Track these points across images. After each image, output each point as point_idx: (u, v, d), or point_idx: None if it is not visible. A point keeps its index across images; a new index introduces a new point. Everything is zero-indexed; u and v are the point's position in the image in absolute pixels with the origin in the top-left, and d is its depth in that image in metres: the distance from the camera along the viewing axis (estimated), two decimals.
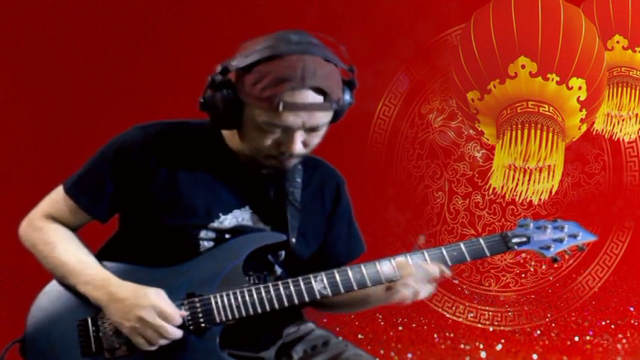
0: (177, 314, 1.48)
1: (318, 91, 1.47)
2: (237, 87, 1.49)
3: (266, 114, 1.46)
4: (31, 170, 3.48)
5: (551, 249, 1.63)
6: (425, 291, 1.55)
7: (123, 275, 1.55)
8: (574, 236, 1.64)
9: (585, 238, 1.65)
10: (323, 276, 1.55)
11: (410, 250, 1.60)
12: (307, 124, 1.49)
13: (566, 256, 1.67)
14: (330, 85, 1.48)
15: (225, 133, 1.62)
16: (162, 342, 1.48)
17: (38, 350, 1.53)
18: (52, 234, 1.60)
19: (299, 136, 1.50)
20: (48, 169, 3.17)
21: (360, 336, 3.61)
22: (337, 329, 3.41)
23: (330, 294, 1.54)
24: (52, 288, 1.57)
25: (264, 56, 1.45)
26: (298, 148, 1.51)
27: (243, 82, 1.48)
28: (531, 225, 1.64)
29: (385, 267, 1.56)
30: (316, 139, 1.55)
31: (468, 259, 1.59)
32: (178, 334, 1.48)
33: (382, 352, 3.58)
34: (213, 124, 1.56)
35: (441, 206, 4.01)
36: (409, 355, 3.66)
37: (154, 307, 1.47)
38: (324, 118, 1.51)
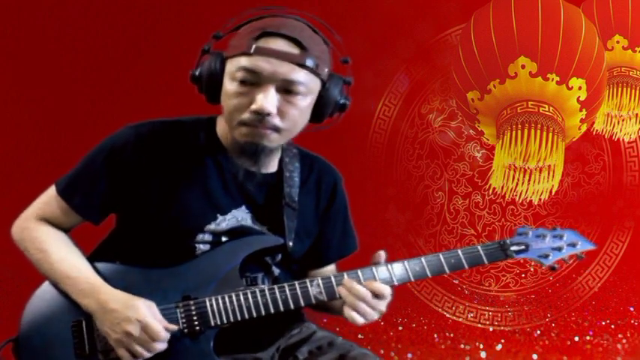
0: (163, 331, 1.47)
1: (295, 41, 1.48)
2: (221, 52, 1.53)
3: (238, 59, 1.48)
4: (31, 170, 3.48)
5: (550, 257, 1.62)
6: (370, 315, 1.53)
7: (118, 277, 1.54)
8: (573, 245, 1.64)
9: (584, 246, 1.65)
10: (319, 280, 1.54)
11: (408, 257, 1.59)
12: (278, 75, 1.46)
13: (566, 263, 1.67)
14: (310, 44, 1.49)
15: (220, 129, 1.61)
16: (147, 355, 1.47)
17: (32, 350, 1.53)
18: (44, 238, 1.59)
19: (272, 93, 1.47)
20: (48, 169, 3.16)
21: (360, 336, 3.61)
22: (337, 329, 3.40)
23: (325, 298, 1.54)
24: (47, 288, 1.57)
25: (254, 17, 1.51)
26: (268, 105, 1.46)
27: (228, 42, 1.52)
28: (530, 233, 1.64)
29: (382, 272, 1.55)
30: (292, 109, 1.50)
31: (466, 266, 1.58)
32: (162, 348, 1.48)
33: (382, 352, 3.58)
34: (205, 95, 1.56)
35: (441, 206, 4.01)
36: (409, 355, 3.65)
37: (140, 322, 1.46)
38: (299, 75, 1.48)
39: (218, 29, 1.56)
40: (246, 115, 1.48)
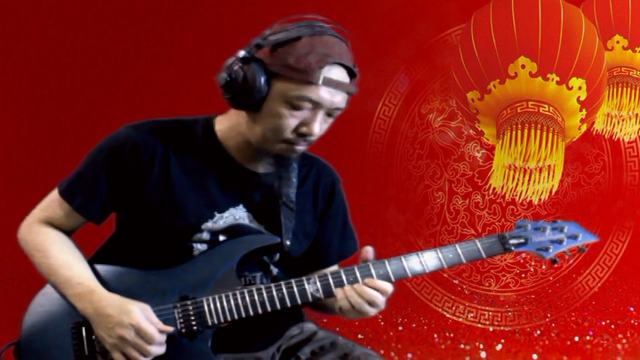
0: (157, 334, 1.47)
1: (349, 72, 1.51)
2: (267, 62, 1.48)
3: (301, 87, 1.47)
4: (31, 170, 3.48)
5: (550, 250, 1.59)
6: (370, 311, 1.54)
7: (117, 279, 1.55)
8: (574, 237, 1.61)
9: (586, 239, 1.62)
10: (316, 278, 1.54)
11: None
12: (334, 104, 1.50)
13: (567, 257, 1.65)
14: (354, 68, 1.52)
15: (219, 129, 1.61)
16: (143, 359, 1.47)
17: (32, 353, 1.53)
18: (46, 240, 1.59)
19: (321, 117, 1.51)
20: (48, 169, 3.17)
21: (360, 336, 3.62)
22: (337, 329, 3.40)
23: (322, 296, 1.54)
24: (48, 291, 1.57)
25: (304, 33, 1.48)
26: (318, 129, 1.51)
27: (281, 56, 1.47)
28: (529, 226, 1.62)
29: (379, 270, 1.55)
30: (326, 126, 1.55)
31: (464, 260, 1.57)
32: (159, 351, 1.48)
33: (382, 352, 3.58)
34: (234, 103, 1.53)
35: (441, 206, 4.01)
36: (409, 355, 3.66)
37: (133, 327, 1.46)
38: (344, 101, 1.53)
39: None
40: (292, 135, 1.51)
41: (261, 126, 1.53)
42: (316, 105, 1.49)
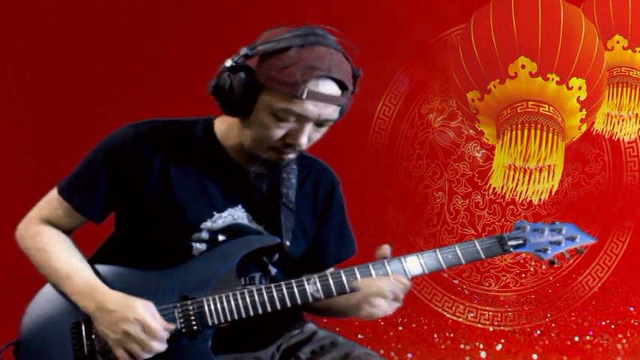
0: (162, 330, 1.47)
1: (340, 84, 1.49)
2: (256, 72, 1.47)
3: (286, 100, 1.46)
4: (31, 170, 3.48)
5: (548, 251, 1.61)
6: (391, 308, 1.56)
7: (117, 279, 1.55)
8: (572, 239, 1.63)
9: (583, 240, 1.64)
10: (316, 279, 1.54)
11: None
12: (321, 117, 1.49)
13: (566, 258, 1.66)
14: (347, 81, 1.50)
15: (218, 129, 1.62)
16: (146, 356, 1.47)
17: (32, 353, 1.53)
18: (45, 239, 1.59)
19: (309, 129, 1.50)
20: (48, 169, 3.17)
21: (360, 336, 3.62)
22: (337, 329, 3.40)
23: (322, 297, 1.54)
24: (48, 290, 1.57)
25: (294, 44, 1.45)
26: (305, 141, 1.50)
27: (268, 67, 1.46)
28: (528, 227, 1.63)
29: (379, 270, 1.55)
30: (318, 135, 1.55)
31: (463, 261, 1.58)
32: (162, 348, 1.48)
33: (382, 352, 3.58)
34: (224, 109, 1.53)
35: (441, 206, 4.01)
36: (409, 355, 3.66)
37: (139, 322, 1.46)
38: (335, 113, 1.52)
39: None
40: (278, 144, 1.52)
41: (249, 133, 1.53)
42: (301, 118, 1.48)
